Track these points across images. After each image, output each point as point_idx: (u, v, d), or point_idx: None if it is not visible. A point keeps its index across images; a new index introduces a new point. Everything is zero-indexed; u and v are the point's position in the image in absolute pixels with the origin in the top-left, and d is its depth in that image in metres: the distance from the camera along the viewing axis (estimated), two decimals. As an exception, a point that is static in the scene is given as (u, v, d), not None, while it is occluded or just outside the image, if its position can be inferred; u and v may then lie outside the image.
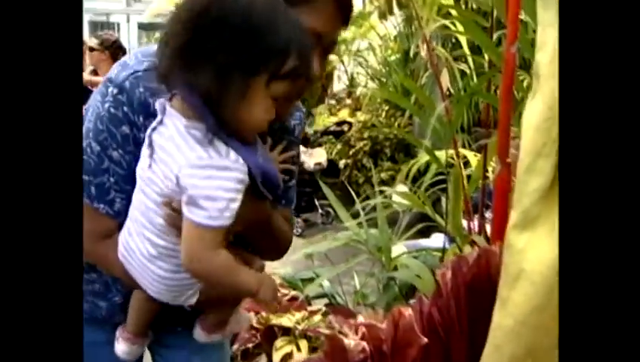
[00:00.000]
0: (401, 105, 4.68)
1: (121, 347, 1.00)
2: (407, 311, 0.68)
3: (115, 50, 3.84)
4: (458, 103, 1.47)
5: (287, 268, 2.14)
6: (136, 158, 0.88)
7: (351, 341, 0.61)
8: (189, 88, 0.77)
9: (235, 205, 0.80)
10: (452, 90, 3.52)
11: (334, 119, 5.45)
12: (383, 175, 4.69)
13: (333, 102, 6.08)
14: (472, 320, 0.81)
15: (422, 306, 0.81)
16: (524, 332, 0.59)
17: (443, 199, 1.97)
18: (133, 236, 0.89)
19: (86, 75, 4.09)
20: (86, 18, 9.85)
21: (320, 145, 5.13)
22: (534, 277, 0.57)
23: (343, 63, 6.58)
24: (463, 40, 2.29)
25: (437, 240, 2.52)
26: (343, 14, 0.93)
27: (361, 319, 0.70)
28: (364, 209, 1.69)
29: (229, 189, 0.79)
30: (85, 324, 1.05)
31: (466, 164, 1.99)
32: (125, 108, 0.88)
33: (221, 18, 0.76)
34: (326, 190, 1.84)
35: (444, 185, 1.77)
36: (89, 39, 3.95)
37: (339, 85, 6.95)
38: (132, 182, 0.89)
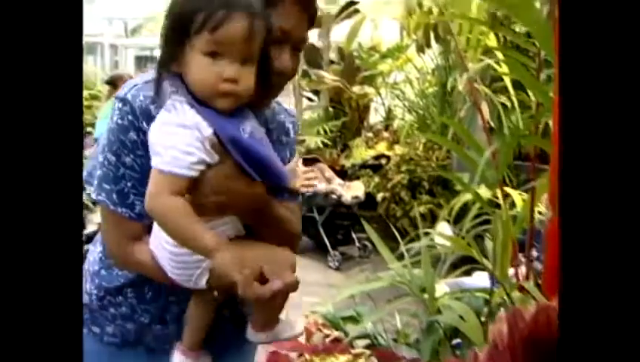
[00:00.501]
0: (442, 144, 4.67)
1: (174, 360, 1.04)
2: (466, 372, 0.67)
3: None
4: (505, 146, 1.46)
5: (328, 306, 2.12)
6: (148, 161, 0.94)
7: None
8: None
9: (191, 158, 0.88)
10: (492, 124, 3.50)
11: (371, 152, 5.46)
12: (422, 208, 4.65)
13: (370, 134, 6.09)
14: (529, 378, 0.78)
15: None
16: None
17: (485, 236, 1.94)
18: None
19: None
20: (132, 53, 10.25)
21: (357, 178, 5.14)
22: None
23: (379, 96, 6.63)
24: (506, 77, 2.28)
25: (479, 279, 2.46)
26: (308, 14, 1.03)
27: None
28: (407, 250, 1.68)
29: (185, 143, 0.88)
30: (117, 349, 1.14)
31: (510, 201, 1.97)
32: (130, 117, 0.97)
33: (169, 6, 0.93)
34: (368, 229, 1.83)
35: (488, 226, 1.74)
36: (134, 75, 4.11)
37: (375, 117, 6.99)
38: (145, 185, 0.96)
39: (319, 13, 1.11)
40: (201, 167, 0.89)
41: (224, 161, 0.91)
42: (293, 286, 0.92)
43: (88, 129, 6.76)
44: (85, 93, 7.80)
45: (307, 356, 1.50)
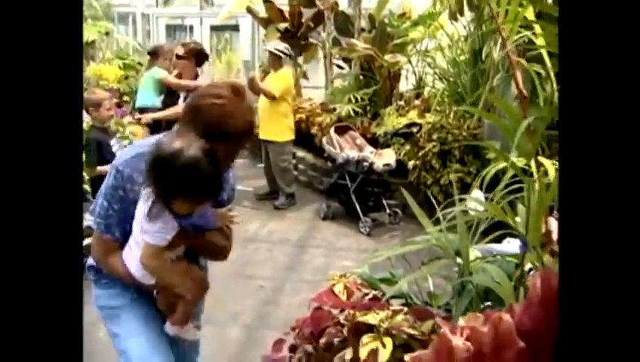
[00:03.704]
0: (480, 116, 4.66)
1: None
2: (506, 317, 0.77)
3: (198, 57, 4.13)
4: (541, 117, 1.52)
5: (364, 268, 2.24)
6: (125, 209, 1.63)
7: (458, 341, 0.71)
8: None
9: (167, 240, 1.63)
10: (526, 93, 3.50)
11: (403, 120, 5.49)
12: (452, 176, 4.70)
13: (401, 102, 6.10)
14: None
15: (512, 313, 0.89)
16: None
17: (516, 204, 2.02)
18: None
19: (172, 78, 4.39)
20: (163, 22, 10.33)
21: (388, 145, 5.19)
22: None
23: (410, 63, 6.60)
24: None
25: (509, 245, 2.54)
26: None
27: (461, 322, 0.79)
28: (443, 216, 1.77)
29: (165, 232, 1.62)
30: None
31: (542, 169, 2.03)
32: (120, 181, 1.61)
33: (152, 168, 1.53)
34: (406, 195, 1.92)
35: (519, 194, 1.82)
36: (176, 47, 4.22)
37: (406, 85, 6.97)
38: (124, 222, 1.65)
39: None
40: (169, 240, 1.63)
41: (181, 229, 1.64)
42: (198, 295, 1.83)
43: (125, 98, 6.94)
44: (119, 62, 7.94)
45: (349, 312, 1.62)
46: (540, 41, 1.81)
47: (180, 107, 4.15)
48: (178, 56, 4.12)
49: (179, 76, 4.30)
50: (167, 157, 1.50)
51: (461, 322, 0.79)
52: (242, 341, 3.15)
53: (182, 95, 4.27)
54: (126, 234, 1.67)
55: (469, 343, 0.73)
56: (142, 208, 1.59)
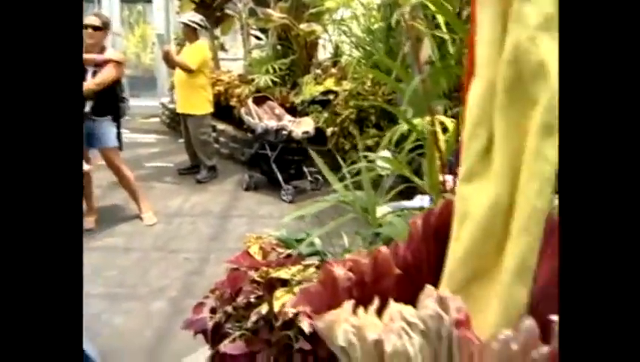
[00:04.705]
0: (381, 80, 4.82)
1: None
2: (384, 249, 0.86)
3: (108, 29, 4.04)
4: (433, 77, 1.64)
5: (282, 231, 2.32)
6: None
7: (340, 271, 0.80)
8: None
9: None
10: (433, 58, 3.67)
11: (320, 88, 5.57)
12: (369, 141, 4.86)
13: (319, 71, 6.17)
14: (437, 258, 0.99)
15: (397, 250, 0.99)
16: (470, 260, 0.77)
17: (424, 163, 2.16)
18: None
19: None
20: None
21: (307, 114, 5.27)
22: (477, 217, 0.75)
23: (327, 32, 6.66)
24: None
25: (419, 201, 2.71)
26: None
27: (347, 256, 0.88)
28: (350, 173, 1.87)
29: None
30: None
31: (446, 129, 2.17)
32: None
33: None
34: (314, 156, 2.01)
35: (424, 150, 1.95)
36: (89, 19, 4.03)
37: (324, 55, 7.04)
38: None
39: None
40: None
41: None
42: None
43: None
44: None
45: (263, 269, 1.70)
46: (435, 8, 1.92)
47: (88, 83, 3.98)
48: (96, 28, 3.93)
49: (101, 49, 4.09)
50: None
51: (347, 256, 0.88)
52: (168, 312, 3.18)
53: (90, 70, 4.06)
54: None
55: (350, 273, 0.82)
56: None
